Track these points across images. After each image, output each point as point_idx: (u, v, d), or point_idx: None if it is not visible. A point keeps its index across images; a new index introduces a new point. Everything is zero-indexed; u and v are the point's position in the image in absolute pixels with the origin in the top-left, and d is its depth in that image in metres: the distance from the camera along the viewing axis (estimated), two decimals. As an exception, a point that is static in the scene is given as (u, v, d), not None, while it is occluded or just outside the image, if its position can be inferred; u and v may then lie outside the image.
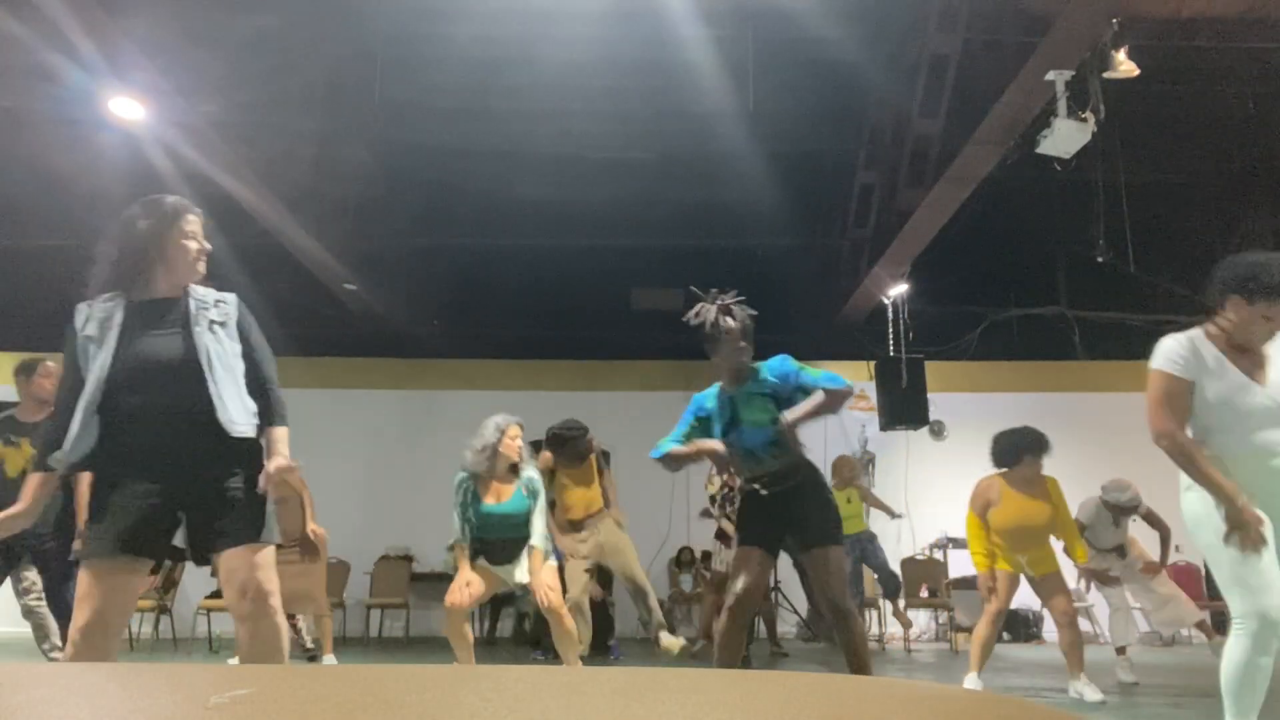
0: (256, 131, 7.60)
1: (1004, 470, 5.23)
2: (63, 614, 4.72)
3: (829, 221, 10.42)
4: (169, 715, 0.94)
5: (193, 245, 2.71)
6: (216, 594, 8.62)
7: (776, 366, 3.71)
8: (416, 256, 10.84)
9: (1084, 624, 10.36)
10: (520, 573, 4.69)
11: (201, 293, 2.75)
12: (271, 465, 2.63)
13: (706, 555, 8.80)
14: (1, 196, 9.14)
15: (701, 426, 3.79)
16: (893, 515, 8.76)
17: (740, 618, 3.66)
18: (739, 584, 3.63)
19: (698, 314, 3.70)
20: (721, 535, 7.36)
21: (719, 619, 3.74)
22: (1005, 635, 10.25)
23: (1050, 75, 6.03)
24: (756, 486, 3.74)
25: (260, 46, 7.27)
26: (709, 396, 3.82)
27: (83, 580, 2.53)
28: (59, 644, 5.22)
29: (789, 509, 3.72)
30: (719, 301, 3.70)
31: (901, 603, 8.76)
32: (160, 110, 6.82)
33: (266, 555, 2.61)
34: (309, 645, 7.45)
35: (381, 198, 9.77)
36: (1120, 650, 6.08)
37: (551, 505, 5.84)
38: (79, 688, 1.08)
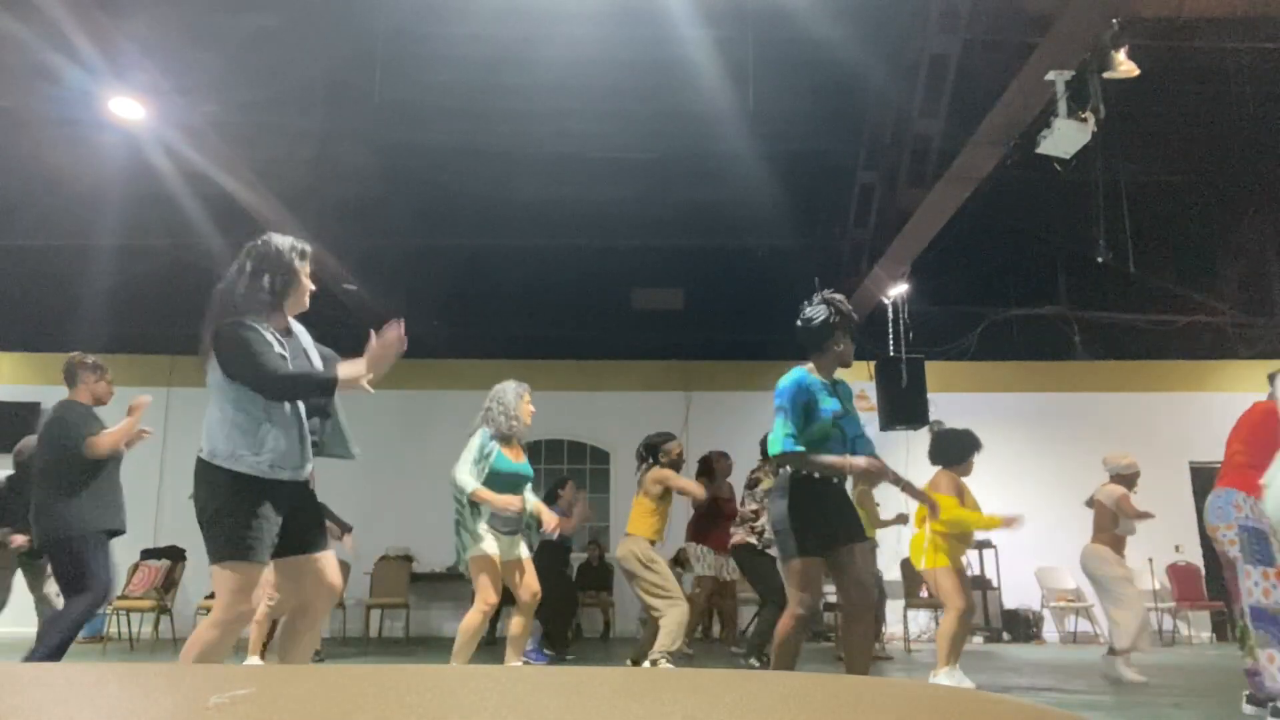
0: (256, 131, 7.60)
1: (952, 467, 5.47)
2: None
3: (829, 221, 10.40)
4: (169, 715, 0.94)
5: (310, 284, 3.06)
6: (216, 594, 8.63)
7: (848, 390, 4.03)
8: (416, 256, 10.83)
9: (1084, 624, 10.42)
10: (523, 549, 4.82)
11: (299, 328, 3.08)
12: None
13: (680, 560, 8.74)
14: (1, 196, 9.14)
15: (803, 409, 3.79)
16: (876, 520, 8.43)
17: (806, 626, 3.75)
18: (809, 596, 3.69)
19: (818, 312, 3.96)
20: (700, 538, 7.15)
21: (785, 628, 3.73)
22: (1005, 635, 10.25)
23: (1050, 75, 6.02)
24: (834, 478, 3.81)
25: (260, 46, 7.27)
26: (806, 378, 3.83)
27: (240, 577, 2.73)
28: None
29: (841, 507, 3.82)
30: (832, 298, 3.96)
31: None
32: (160, 110, 6.82)
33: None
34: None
35: (381, 198, 9.76)
36: (1122, 651, 6.03)
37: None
38: (79, 688, 1.08)
